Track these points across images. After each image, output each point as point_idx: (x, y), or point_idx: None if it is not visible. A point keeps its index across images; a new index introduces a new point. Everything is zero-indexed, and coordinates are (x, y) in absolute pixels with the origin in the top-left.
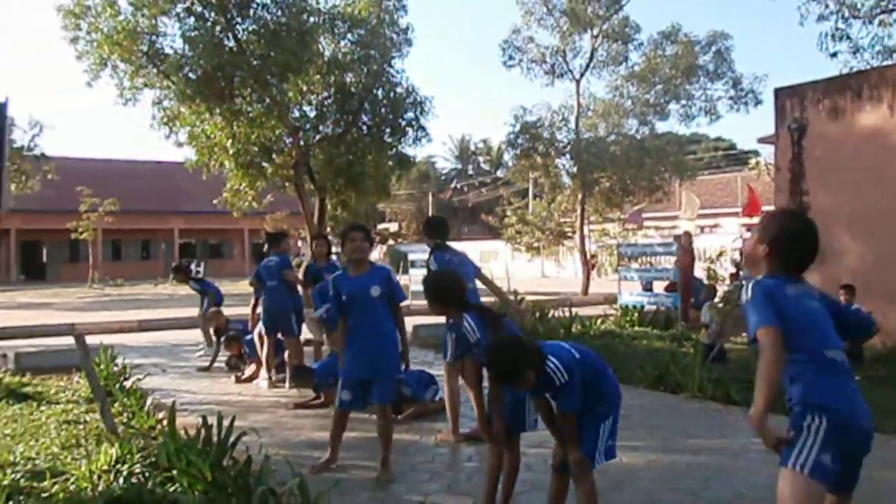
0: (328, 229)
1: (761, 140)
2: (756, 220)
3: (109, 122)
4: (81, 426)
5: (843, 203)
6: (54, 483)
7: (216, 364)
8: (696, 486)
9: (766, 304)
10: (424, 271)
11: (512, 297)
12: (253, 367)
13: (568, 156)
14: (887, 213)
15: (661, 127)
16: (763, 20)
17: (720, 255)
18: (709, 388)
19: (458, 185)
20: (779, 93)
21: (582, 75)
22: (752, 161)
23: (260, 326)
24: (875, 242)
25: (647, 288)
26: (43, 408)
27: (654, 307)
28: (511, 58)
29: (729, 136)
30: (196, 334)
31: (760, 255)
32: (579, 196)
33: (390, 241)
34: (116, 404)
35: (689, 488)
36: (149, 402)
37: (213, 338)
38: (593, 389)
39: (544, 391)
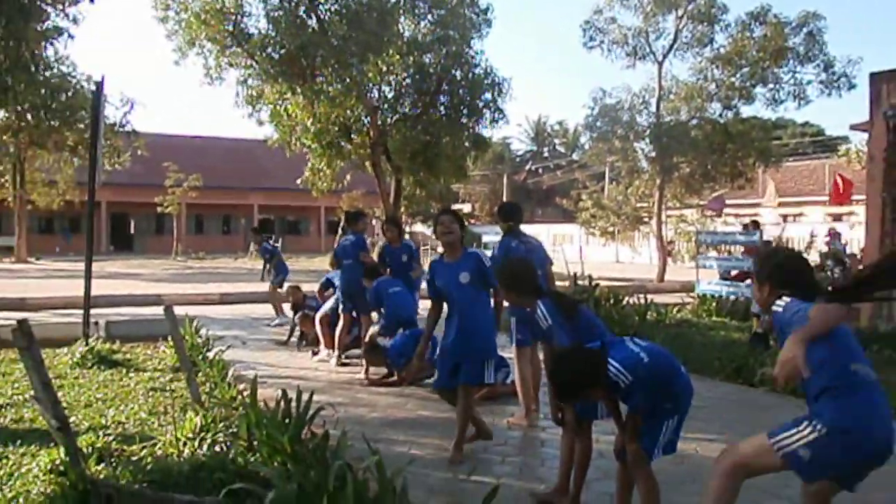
0: (402, 209)
1: (854, 127)
2: (843, 209)
3: (195, 100)
4: (168, 394)
5: None
6: (143, 447)
7: (293, 339)
8: (772, 486)
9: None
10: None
11: (585, 283)
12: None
13: (647, 140)
14: None
15: (746, 111)
16: (859, 1)
17: (808, 245)
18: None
19: (534, 168)
20: (874, 77)
21: (665, 57)
22: (842, 148)
23: (330, 304)
24: None
25: (725, 277)
26: (131, 375)
27: (732, 297)
28: (592, 38)
29: (817, 122)
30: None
31: (766, 296)
32: (657, 181)
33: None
34: (200, 374)
35: (764, 487)
36: (230, 373)
37: (291, 313)
38: (663, 389)
39: (610, 393)
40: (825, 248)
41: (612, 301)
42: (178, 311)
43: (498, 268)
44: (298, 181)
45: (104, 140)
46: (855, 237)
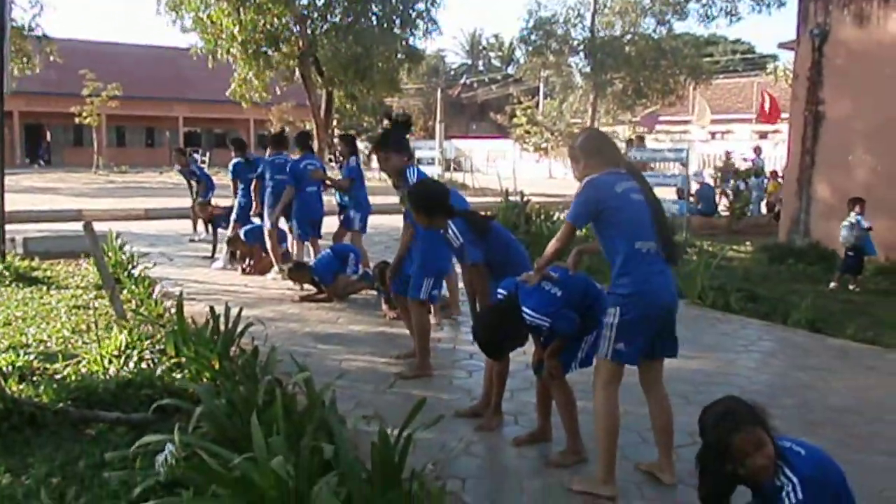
0: (334, 123)
1: (782, 45)
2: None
3: (112, 5)
4: (91, 312)
5: (860, 115)
6: (66, 365)
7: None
8: (688, 391)
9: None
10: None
11: (517, 198)
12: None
13: (582, 55)
14: None
15: (679, 27)
16: None
17: (725, 164)
18: (709, 296)
19: (468, 82)
20: None
21: None
22: (771, 66)
23: (270, 222)
24: (889, 158)
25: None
26: (52, 292)
27: None
28: None
29: (748, 39)
30: (201, 225)
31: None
32: (591, 97)
33: None
34: (125, 291)
35: (682, 392)
36: (157, 290)
37: (210, 229)
38: (582, 312)
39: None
40: (742, 167)
41: (543, 216)
42: (101, 227)
43: (409, 190)
44: (227, 92)
45: (10, 45)
46: (778, 155)
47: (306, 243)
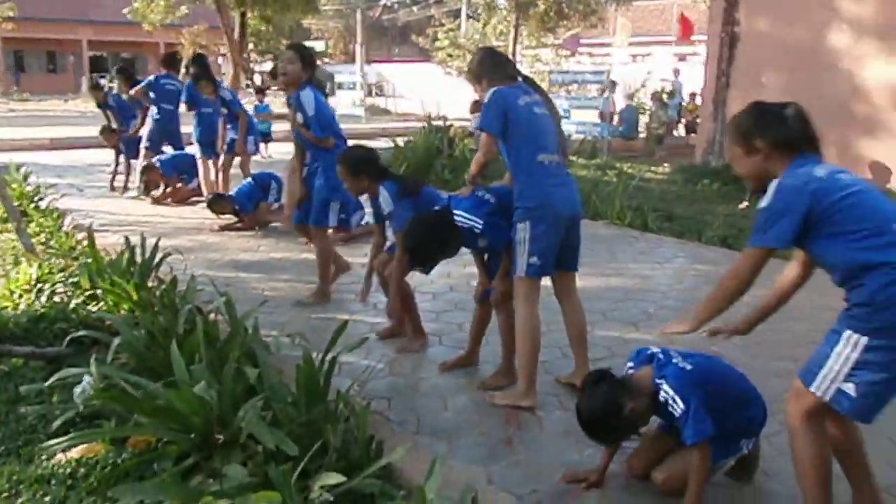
0: (250, 46)
1: None
2: (687, 49)
3: None
4: None
5: (774, 36)
6: None
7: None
8: (606, 308)
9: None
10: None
11: (440, 123)
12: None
13: None
14: (812, 48)
15: None
16: None
17: (642, 84)
18: (627, 215)
19: (389, 3)
20: None
21: None
22: None
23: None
24: (799, 78)
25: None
26: None
27: (581, 136)
28: None
29: None
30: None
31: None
32: (514, 18)
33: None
34: (32, 224)
35: (600, 310)
36: (67, 222)
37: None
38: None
39: (470, 243)
40: (659, 87)
41: (465, 140)
42: (3, 157)
43: (339, 157)
44: (125, 11)
45: None
46: (698, 75)
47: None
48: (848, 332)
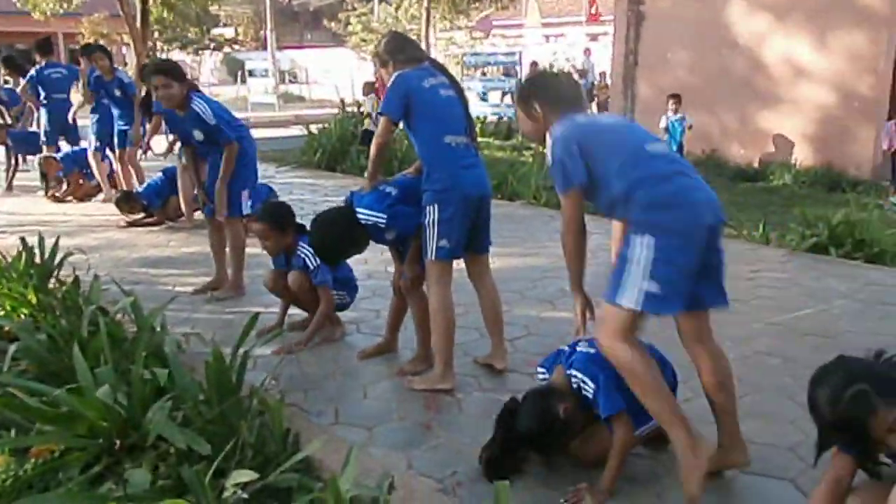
0: (155, 35)
1: None
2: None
3: None
4: None
5: (678, 15)
6: None
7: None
8: (524, 287)
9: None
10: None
11: (355, 108)
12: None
13: None
14: (715, 25)
15: None
16: None
17: (550, 65)
18: (543, 195)
19: None
20: None
21: None
22: None
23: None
24: (703, 55)
25: (484, 98)
26: None
27: (496, 118)
28: None
29: None
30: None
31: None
32: (426, 1)
33: (226, 49)
34: None
35: (518, 289)
36: None
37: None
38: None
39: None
40: (568, 68)
41: (365, 121)
42: None
43: (261, 214)
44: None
45: None
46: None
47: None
48: (636, 238)
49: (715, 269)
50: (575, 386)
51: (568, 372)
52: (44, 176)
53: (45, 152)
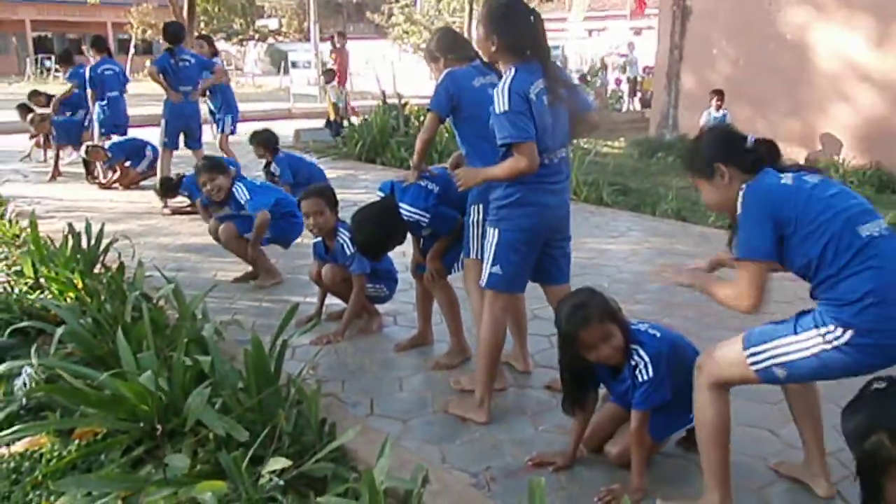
0: (202, 25)
1: None
2: (643, 23)
3: None
4: None
5: (724, 9)
6: None
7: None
8: None
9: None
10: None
11: (396, 100)
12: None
13: None
14: (762, 20)
15: None
16: None
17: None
18: (583, 190)
19: None
20: None
21: None
22: None
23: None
24: (749, 50)
25: None
26: None
27: None
28: None
29: None
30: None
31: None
32: None
33: (270, 40)
34: None
35: None
36: (10, 209)
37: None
38: (462, 209)
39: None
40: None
41: (421, 118)
42: None
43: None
44: None
45: None
46: (653, 51)
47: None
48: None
49: None
50: (633, 363)
51: (633, 346)
52: (87, 164)
53: (88, 141)
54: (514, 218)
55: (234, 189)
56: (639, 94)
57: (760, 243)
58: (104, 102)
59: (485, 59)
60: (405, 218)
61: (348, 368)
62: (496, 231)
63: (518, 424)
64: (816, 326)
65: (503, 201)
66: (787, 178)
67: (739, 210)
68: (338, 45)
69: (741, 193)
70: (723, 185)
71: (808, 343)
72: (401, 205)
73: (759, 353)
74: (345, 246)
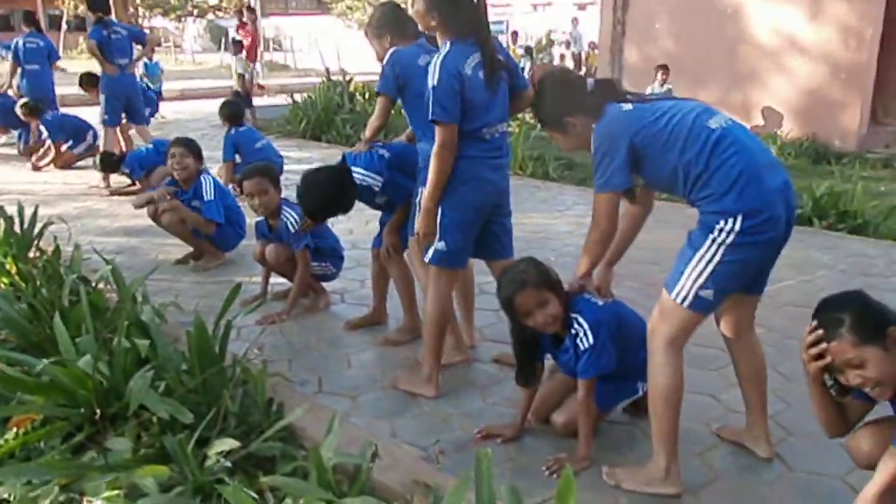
0: (137, 0)
1: None
2: None
3: None
4: None
5: None
6: None
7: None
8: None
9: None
10: None
11: (340, 77)
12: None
13: None
14: None
15: None
16: None
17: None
18: (530, 165)
19: None
20: None
21: None
22: None
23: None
24: (691, 24)
25: None
26: None
27: None
28: None
29: None
30: None
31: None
32: None
33: (210, 16)
34: None
35: None
36: None
37: None
38: (413, 175)
39: (369, 200)
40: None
41: (367, 95)
42: None
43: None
44: None
45: None
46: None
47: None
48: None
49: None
50: (573, 332)
51: (573, 314)
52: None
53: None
54: (455, 194)
55: (202, 179)
56: (586, 70)
57: (612, 176)
58: (23, 75)
59: (425, 32)
60: (357, 182)
61: (295, 347)
62: (439, 208)
63: (467, 398)
64: (710, 232)
65: None
66: (627, 106)
67: (592, 149)
68: (244, 20)
69: (592, 135)
70: (576, 132)
71: (711, 252)
72: (353, 168)
73: (680, 288)
74: (289, 224)
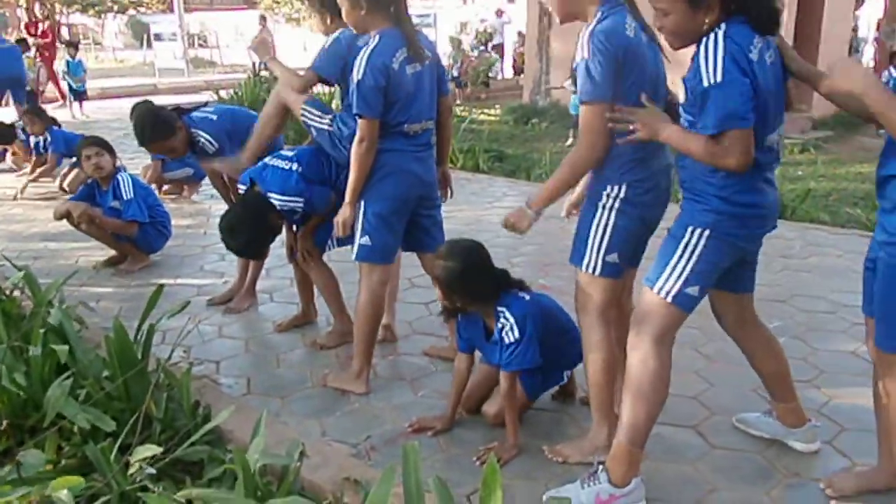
0: None
1: None
2: None
3: None
4: None
5: None
6: None
7: None
8: None
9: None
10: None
11: (267, 73)
12: None
13: None
14: None
15: None
16: None
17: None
18: (460, 158)
19: None
20: None
21: None
22: None
23: None
24: None
25: None
26: None
27: None
28: None
29: None
30: None
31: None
32: None
33: (131, 11)
34: None
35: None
36: None
37: None
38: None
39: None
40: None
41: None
42: None
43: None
44: None
45: None
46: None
47: None
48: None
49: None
50: (500, 325)
51: (499, 308)
52: None
53: None
54: (380, 187)
55: (119, 177)
56: (514, 63)
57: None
58: None
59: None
60: (279, 208)
61: (223, 349)
62: (362, 202)
63: (397, 392)
64: (690, 220)
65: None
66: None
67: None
68: (36, 19)
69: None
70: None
71: (693, 242)
72: (270, 195)
73: (664, 282)
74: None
